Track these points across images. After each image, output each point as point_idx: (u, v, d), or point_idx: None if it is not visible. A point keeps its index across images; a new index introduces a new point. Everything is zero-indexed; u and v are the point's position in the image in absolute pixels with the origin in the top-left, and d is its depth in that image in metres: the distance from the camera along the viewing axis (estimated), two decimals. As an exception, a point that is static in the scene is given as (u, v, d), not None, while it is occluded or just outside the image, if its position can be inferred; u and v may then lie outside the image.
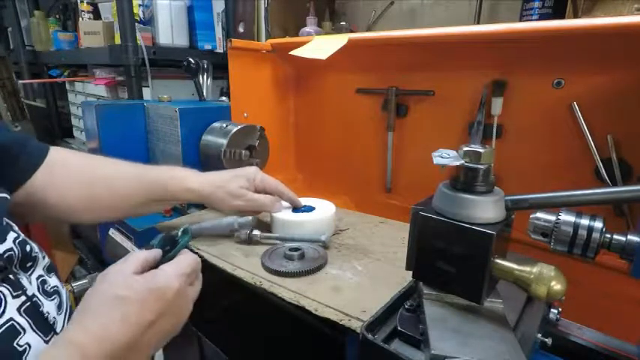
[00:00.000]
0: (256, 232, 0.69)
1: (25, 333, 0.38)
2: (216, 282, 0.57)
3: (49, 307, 0.43)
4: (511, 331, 0.41)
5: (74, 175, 0.60)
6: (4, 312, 0.37)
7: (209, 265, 0.63)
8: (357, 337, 0.44)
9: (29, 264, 0.44)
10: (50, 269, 0.47)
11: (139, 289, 0.40)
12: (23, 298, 0.40)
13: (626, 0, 0.79)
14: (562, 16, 0.91)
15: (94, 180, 0.62)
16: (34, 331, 0.39)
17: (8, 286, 0.39)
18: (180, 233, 0.50)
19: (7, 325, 0.37)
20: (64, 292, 0.47)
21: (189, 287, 0.45)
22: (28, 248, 0.44)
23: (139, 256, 0.44)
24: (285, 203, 0.74)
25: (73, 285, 0.80)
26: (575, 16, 0.87)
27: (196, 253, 0.65)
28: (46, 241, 1.10)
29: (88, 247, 1.73)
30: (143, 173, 0.66)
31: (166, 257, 0.46)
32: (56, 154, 0.59)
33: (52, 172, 0.57)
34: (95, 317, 0.37)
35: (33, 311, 0.40)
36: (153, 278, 0.41)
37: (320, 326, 0.51)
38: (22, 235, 0.44)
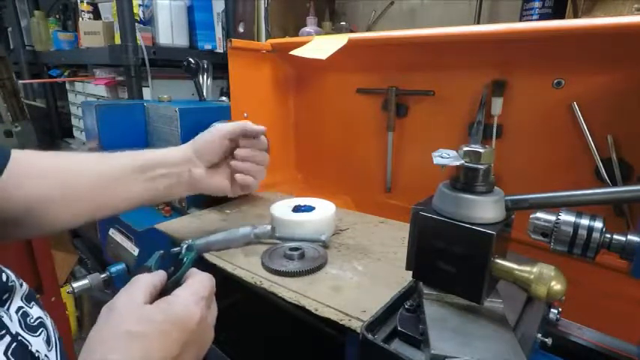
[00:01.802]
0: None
1: None
2: (215, 282, 0.57)
3: (37, 344, 0.37)
4: (511, 331, 0.41)
5: (41, 168, 0.52)
6: None
7: (209, 264, 0.63)
8: (357, 337, 0.44)
9: (5, 296, 0.37)
10: (30, 298, 0.41)
11: (158, 321, 0.35)
12: (8, 338, 0.34)
13: (626, 0, 0.79)
14: (562, 16, 0.91)
15: (65, 170, 0.54)
16: None
17: None
18: (184, 250, 0.45)
19: None
20: (49, 322, 0.41)
21: (208, 312, 0.41)
22: (4, 277, 0.37)
23: (144, 281, 0.39)
24: (283, 202, 0.74)
25: (73, 285, 0.80)
26: (575, 16, 0.87)
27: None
28: (46, 241, 1.09)
29: (88, 247, 1.74)
30: (123, 153, 0.59)
31: (173, 279, 0.42)
32: (19, 154, 0.51)
33: (13, 174, 0.49)
34: (113, 358, 0.32)
35: (22, 352, 0.34)
36: (170, 307, 0.37)
37: (320, 326, 0.51)
38: None
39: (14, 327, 0.36)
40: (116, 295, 0.38)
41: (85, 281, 0.82)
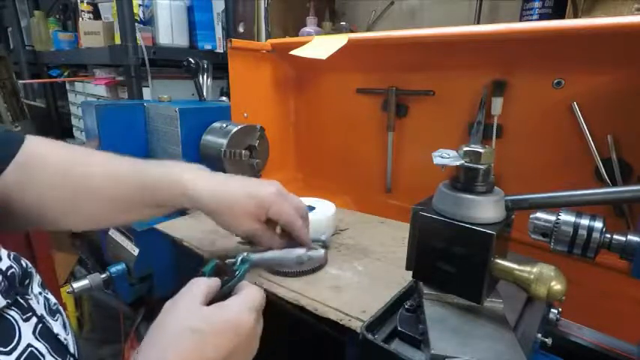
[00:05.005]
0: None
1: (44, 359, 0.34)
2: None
3: (57, 327, 0.39)
4: (511, 331, 0.41)
5: (54, 172, 0.51)
6: (20, 338, 0.33)
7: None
8: (357, 337, 0.44)
9: (27, 281, 0.39)
10: (44, 285, 0.42)
11: (215, 322, 0.38)
12: (34, 319, 0.35)
13: (626, 0, 0.79)
14: (562, 16, 0.91)
15: (76, 181, 0.52)
16: (53, 355, 0.35)
17: (17, 309, 0.34)
18: (238, 262, 0.48)
19: (26, 353, 0.32)
20: (62, 309, 0.43)
21: (257, 324, 0.42)
22: (23, 263, 0.38)
23: (203, 285, 0.41)
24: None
25: (73, 285, 0.80)
26: (575, 16, 0.87)
27: (196, 252, 0.65)
28: (46, 241, 1.09)
29: (88, 247, 1.73)
30: (139, 173, 0.56)
31: (225, 288, 0.44)
32: (36, 146, 0.50)
33: (29, 167, 0.48)
34: (173, 349, 0.35)
35: (47, 334, 0.36)
36: (226, 311, 0.39)
37: (320, 326, 0.51)
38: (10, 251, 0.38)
39: (40, 310, 0.37)
40: (178, 294, 0.40)
41: (85, 281, 0.82)
